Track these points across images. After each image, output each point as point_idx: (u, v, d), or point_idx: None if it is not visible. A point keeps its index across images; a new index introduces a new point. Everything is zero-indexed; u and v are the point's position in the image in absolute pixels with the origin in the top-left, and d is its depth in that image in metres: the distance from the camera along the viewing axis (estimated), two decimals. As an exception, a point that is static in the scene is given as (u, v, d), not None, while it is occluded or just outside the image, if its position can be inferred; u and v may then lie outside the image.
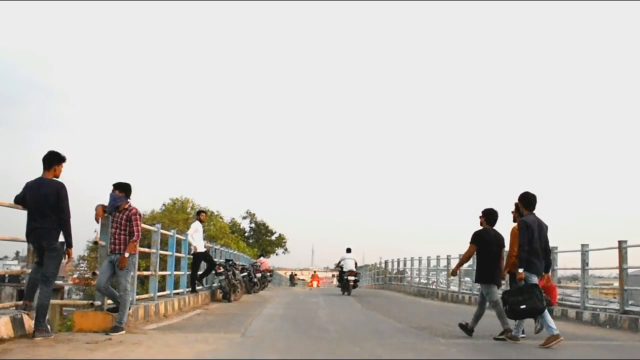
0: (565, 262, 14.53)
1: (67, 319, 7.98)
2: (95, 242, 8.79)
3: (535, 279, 8.08)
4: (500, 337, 8.41)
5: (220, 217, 42.93)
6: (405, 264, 29.66)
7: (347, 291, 21.77)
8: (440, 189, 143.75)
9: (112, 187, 8.16)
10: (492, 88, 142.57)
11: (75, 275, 38.83)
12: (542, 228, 8.23)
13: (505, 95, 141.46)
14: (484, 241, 8.86)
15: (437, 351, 7.28)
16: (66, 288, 40.47)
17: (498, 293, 8.76)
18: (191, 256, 14.41)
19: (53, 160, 7.15)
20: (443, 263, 23.44)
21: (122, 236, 7.96)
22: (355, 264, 22.82)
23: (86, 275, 31.29)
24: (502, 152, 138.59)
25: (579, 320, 12.02)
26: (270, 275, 28.39)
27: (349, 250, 22.85)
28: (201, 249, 14.51)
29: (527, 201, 8.39)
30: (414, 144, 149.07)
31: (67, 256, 7.10)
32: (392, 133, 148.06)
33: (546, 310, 7.94)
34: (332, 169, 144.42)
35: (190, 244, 14.30)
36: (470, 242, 9.01)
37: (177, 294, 12.96)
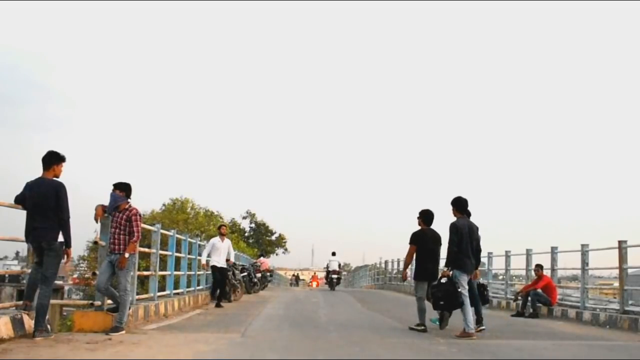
0: (565, 262, 14.56)
1: (67, 319, 7.97)
2: (95, 242, 8.79)
3: (465, 277, 8.73)
4: (415, 327, 9.28)
5: (220, 217, 42.91)
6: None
7: (332, 287, 26.18)
8: (441, 189, 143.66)
9: (112, 187, 8.16)
10: (493, 87, 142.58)
11: (75, 275, 38.80)
12: (472, 230, 8.89)
13: (506, 96, 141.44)
14: (422, 241, 9.46)
15: (437, 351, 7.28)
16: (66, 288, 40.48)
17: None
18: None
19: (52, 160, 7.14)
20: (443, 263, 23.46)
21: (121, 236, 7.96)
22: (339, 264, 27.46)
23: (86, 275, 31.24)
24: (504, 153, 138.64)
25: (579, 320, 12.02)
26: (270, 276, 28.37)
27: (334, 254, 27.47)
28: (213, 263, 13.86)
29: (458, 205, 9.01)
30: (415, 144, 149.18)
31: (66, 256, 7.10)
32: (392, 133, 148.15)
33: (468, 307, 8.59)
34: (333, 169, 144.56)
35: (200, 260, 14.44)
36: (410, 243, 9.60)
37: (177, 294, 12.97)
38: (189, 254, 14.39)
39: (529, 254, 15.35)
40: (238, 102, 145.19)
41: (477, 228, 9.01)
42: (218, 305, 13.38)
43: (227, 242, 14.27)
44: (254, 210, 54.76)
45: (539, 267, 13.78)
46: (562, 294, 15.45)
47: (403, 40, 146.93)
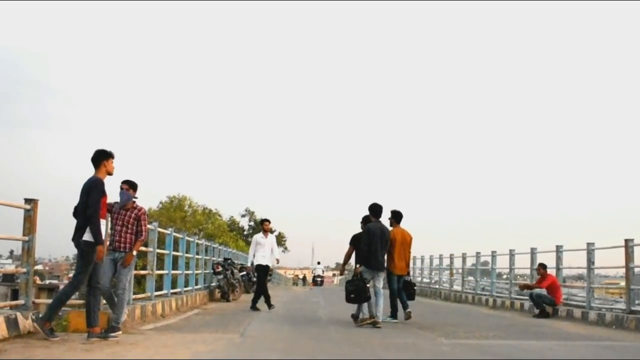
0: (571, 261, 14.54)
1: (63, 319, 7.96)
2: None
3: (370, 274, 10.19)
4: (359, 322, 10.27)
5: (219, 215, 42.94)
6: (407, 263, 29.66)
7: (318, 286, 38.69)
8: (444, 185, 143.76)
9: (123, 184, 8.12)
10: (483, 84, 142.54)
11: (70, 275, 38.86)
12: (384, 233, 10.30)
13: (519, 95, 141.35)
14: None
15: (440, 352, 7.29)
16: (61, 287, 40.52)
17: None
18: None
19: (101, 158, 7.19)
20: (446, 262, 23.48)
21: (128, 235, 7.96)
22: (323, 270, 44.12)
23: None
24: (515, 150, 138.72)
25: (585, 320, 12.02)
26: (270, 275, 28.35)
27: (319, 263, 45.50)
28: (259, 261, 13.12)
29: (373, 211, 10.38)
30: (416, 139, 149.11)
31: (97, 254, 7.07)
32: (393, 129, 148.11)
33: (371, 300, 9.97)
34: (334, 165, 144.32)
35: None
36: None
37: (175, 293, 12.97)
38: (186, 252, 14.39)
39: (533, 252, 15.36)
40: (237, 97, 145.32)
41: (389, 232, 10.55)
42: (254, 308, 12.75)
43: (272, 237, 13.63)
44: (253, 208, 54.77)
45: (542, 266, 13.78)
46: (568, 293, 15.47)
47: (396, 38, 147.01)
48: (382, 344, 7.83)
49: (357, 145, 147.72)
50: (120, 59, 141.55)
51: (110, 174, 7.27)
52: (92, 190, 6.99)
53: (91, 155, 7.21)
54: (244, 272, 19.12)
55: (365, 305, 10.07)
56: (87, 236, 6.95)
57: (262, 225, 13.80)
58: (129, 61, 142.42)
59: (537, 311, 13.13)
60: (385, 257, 10.59)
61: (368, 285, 10.11)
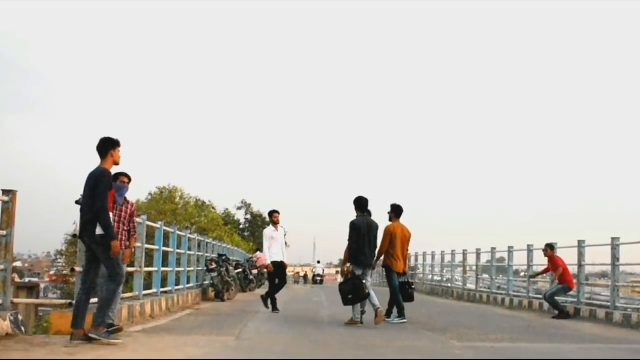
0: (594, 258, 14.53)
1: (44, 320, 8.01)
2: (75, 235, 8.81)
3: (359, 270, 10.33)
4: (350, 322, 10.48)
5: (213, 208, 43.09)
6: (416, 259, 29.73)
7: (318, 284, 39.85)
8: (457, 176, 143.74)
9: (123, 177, 8.12)
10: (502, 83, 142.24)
11: (52, 272, 38.95)
12: (371, 228, 10.51)
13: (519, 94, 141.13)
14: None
15: (451, 355, 7.31)
16: (42, 286, 40.62)
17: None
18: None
19: (107, 146, 7.19)
20: (459, 258, 23.49)
21: (125, 231, 8.05)
22: (322, 270, 45.70)
23: (64, 272, 31.40)
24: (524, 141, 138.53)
25: (609, 321, 12.04)
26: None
27: (319, 262, 47.36)
28: (274, 258, 12.85)
29: (358, 204, 10.61)
30: (423, 127, 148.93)
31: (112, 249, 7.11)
32: (397, 117, 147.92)
33: (372, 292, 10.18)
34: (337, 153, 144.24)
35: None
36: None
37: (165, 292, 13.01)
38: (177, 248, 14.42)
39: (553, 247, 15.33)
40: (231, 80, 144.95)
41: (377, 226, 10.71)
42: (275, 309, 12.60)
43: (282, 230, 13.23)
44: (250, 200, 54.89)
45: (550, 246, 13.70)
46: (591, 292, 15.50)
47: (400, 27, 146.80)
48: (390, 347, 7.85)
49: (363, 132, 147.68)
50: (103, 42, 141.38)
51: (117, 163, 7.28)
52: (100, 183, 7.00)
53: (97, 143, 7.20)
54: (240, 270, 19.20)
55: (357, 305, 10.28)
56: (100, 230, 7.01)
57: (271, 217, 13.30)
58: (111, 44, 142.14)
59: (556, 312, 13.16)
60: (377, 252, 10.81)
61: (364, 281, 10.24)
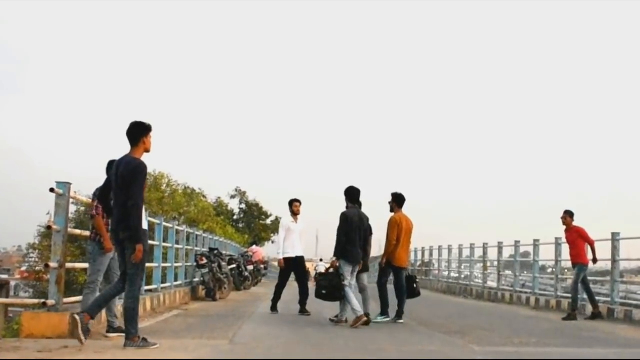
0: (630, 252, 14.44)
1: (14, 322, 7.99)
2: (49, 227, 8.78)
3: (349, 268, 10.51)
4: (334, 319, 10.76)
5: (203, 196, 43.11)
6: (431, 254, 29.78)
7: None
8: (477, 164, 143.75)
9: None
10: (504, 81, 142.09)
11: (23, 268, 38.99)
12: (362, 220, 10.75)
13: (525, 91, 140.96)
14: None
15: (470, 361, 7.31)
16: (12, 284, 40.70)
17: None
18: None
19: (139, 132, 7.22)
20: (479, 253, 23.50)
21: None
22: (325, 268, 46.83)
23: (37, 268, 31.42)
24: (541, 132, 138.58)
25: (647, 323, 12.05)
26: (265, 268, 28.50)
27: (321, 260, 45.58)
28: (288, 253, 12.75)
29: (350, 195, 10.89)
30: (434, 111, 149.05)
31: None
32: (403, 104, 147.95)
33: (350, 294, 10.27)
34: (341, 139, 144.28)
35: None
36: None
37: (150, 291, 13.03)
38: (164, 241, 14.42)
39: (572, 215, 14.90)
40: (225, 63, 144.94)
41: (368, 218, 10.97)
42: (274, 309, 12.64)
43: (302, 223, 13.12)
44: (245, 188, 54.88)
45: (568, 213, 13.20)
46: (626, 290, 15.48)
47: (404, 17, 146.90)
48: (400, 351, 7.86)
49: (367, 117, 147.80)
50: (80, 15, 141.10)
51: (148, 151, 7.31)
52: (136, 177, 7.05)
53: (127, 128, 7.21)
54: (234, 265, 19.20)
55: (350, 305, 10.37)
56: (144, 226, 7.16)
57: (291, 207, 13.04)
58: (102, 25, 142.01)
59: (589, 313, 13.08)
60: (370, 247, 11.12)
61: (344, 282, 10.39)
